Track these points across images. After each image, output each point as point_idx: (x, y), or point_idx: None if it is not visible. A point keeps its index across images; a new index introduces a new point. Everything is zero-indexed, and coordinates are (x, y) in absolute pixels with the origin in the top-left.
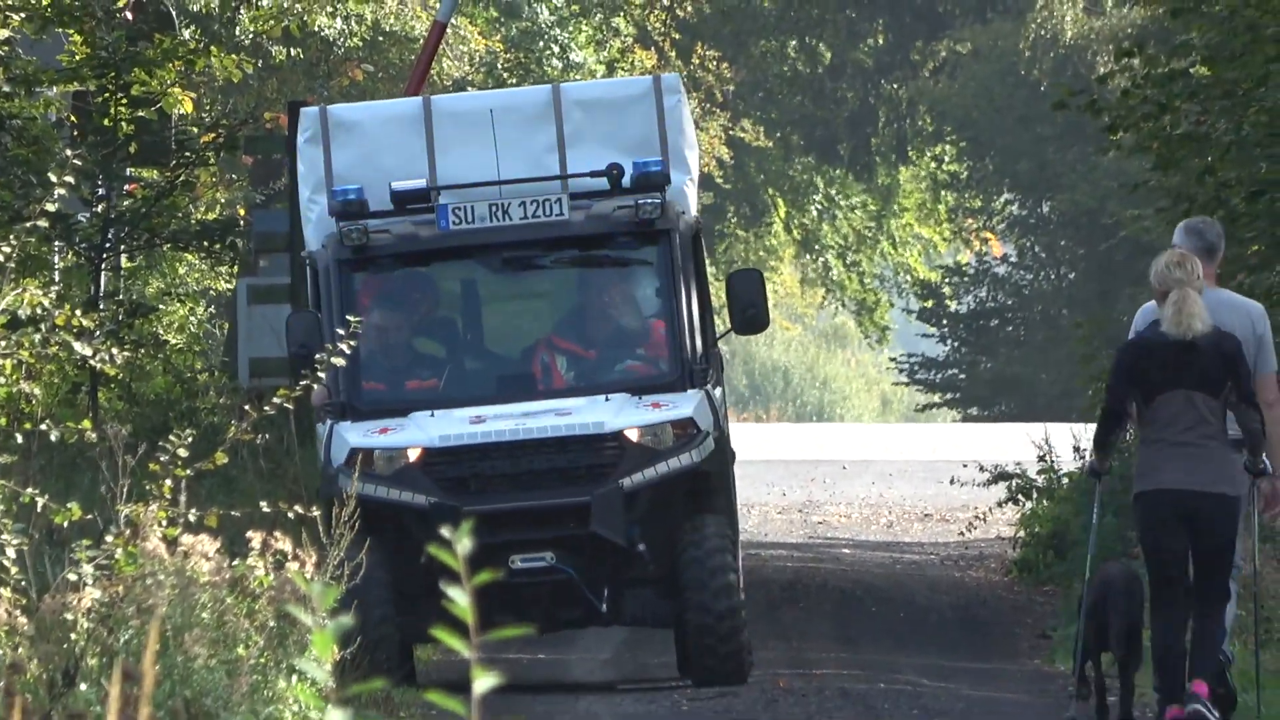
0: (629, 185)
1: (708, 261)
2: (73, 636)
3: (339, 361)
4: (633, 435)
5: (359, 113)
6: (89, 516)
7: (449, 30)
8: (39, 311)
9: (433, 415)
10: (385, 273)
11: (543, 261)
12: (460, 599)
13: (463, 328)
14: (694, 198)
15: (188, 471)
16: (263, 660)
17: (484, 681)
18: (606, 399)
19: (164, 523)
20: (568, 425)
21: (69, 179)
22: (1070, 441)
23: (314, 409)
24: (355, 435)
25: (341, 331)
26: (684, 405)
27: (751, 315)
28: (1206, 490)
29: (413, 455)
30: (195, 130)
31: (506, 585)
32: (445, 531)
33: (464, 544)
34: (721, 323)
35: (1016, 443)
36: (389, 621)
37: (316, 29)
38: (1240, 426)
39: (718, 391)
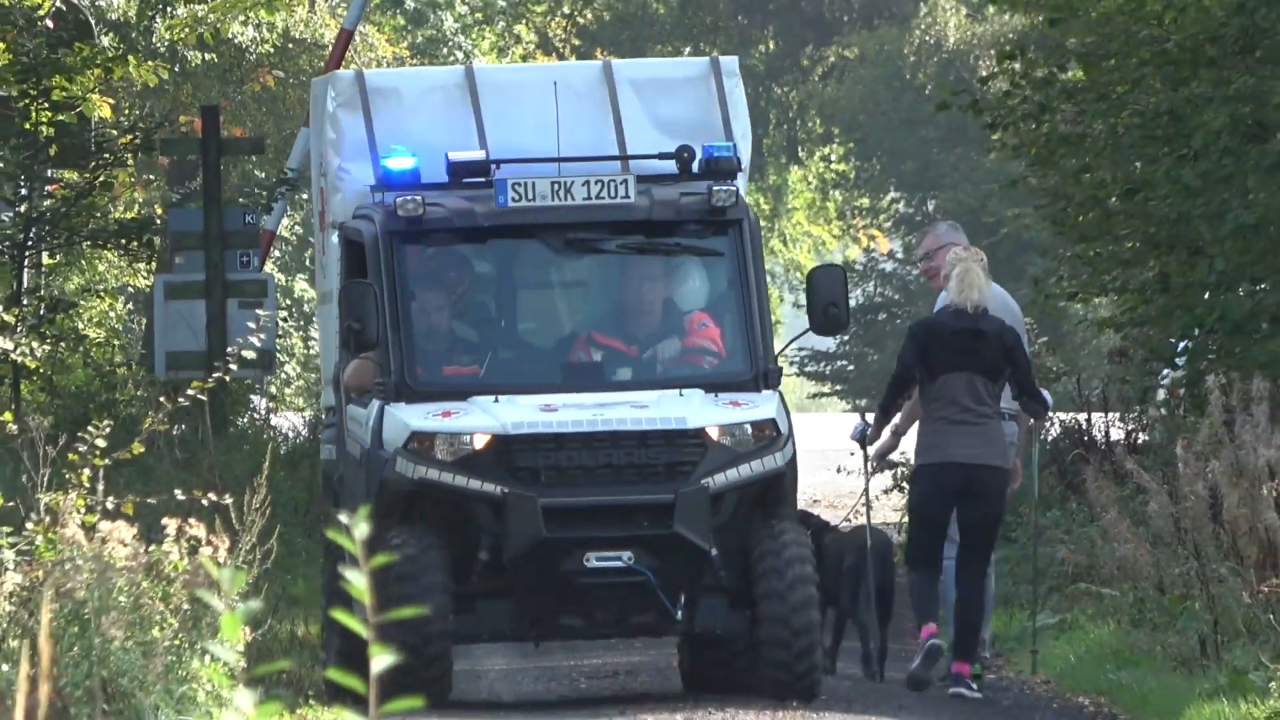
0: (698, 171)
1: None
2: None
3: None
4: (714, 433)
5: (397, 79)
6: (10, 504)
7: (356, 37)
8: None
9: (497, 400)
10: (438, 248)
11: (607, 246)
12: (358, 581)
13: (523, 311)
14: (745, 188)
15: (106, 461)
16: (177, 642)
17: (381, 660)
18: (681, 394)
19: (83, 510)
20: (648, 419)
21: None
22: None
23: (344, 389)
24: (415, 417)
25: (389, 307)
26: (764, 405)
27: (834, 314)
28: (985, 464)
29: (480, 442)
30: (114, 133)
31: (578, 585)
32: (518, 522)
33: (361, 529)
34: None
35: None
36: (445, 616)
37: (230, 36)
38: (1026, 413)
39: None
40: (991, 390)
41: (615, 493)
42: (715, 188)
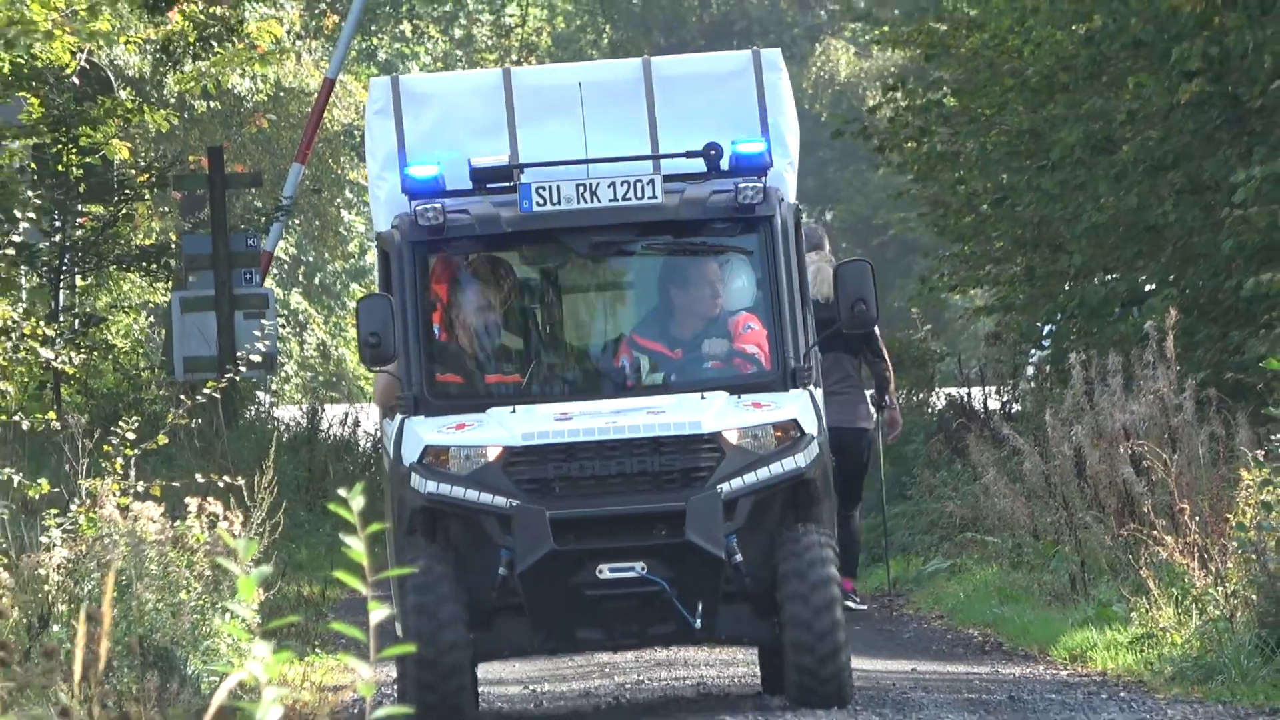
0: (727, 168)
1: None
2: (45, 588)
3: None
4: (732, 437)
5: (434, 84)
6: (56, 490)
7: (337, 85)
8: (10, 324)
9: (514, 411)
10: (462, 256)
11: (633, 248)
12: (355, 546)
13: (546, 318)
14: (793, 183)
15: (135, 451)
16: (201, 602)
17: (379, 613)
18: (702, 397)
19: (117, 493)
20: (661, 425)
21: (31, 215)
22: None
23: (380, 406)
24: (429, 431)
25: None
26: (787, 406)
27: (862, 310)
28: (848, 426)
29: (492, 454)
30: (133, 172)
31: (592, 597)
32: (526, 535)
33: (357, 499)
34: None
35: None
36: (462, 647)
37: (229, 87)
38: (874, 376)
39: (818, 392)
40: (853, 364)
41: (627, 502)
42: (741, 184)
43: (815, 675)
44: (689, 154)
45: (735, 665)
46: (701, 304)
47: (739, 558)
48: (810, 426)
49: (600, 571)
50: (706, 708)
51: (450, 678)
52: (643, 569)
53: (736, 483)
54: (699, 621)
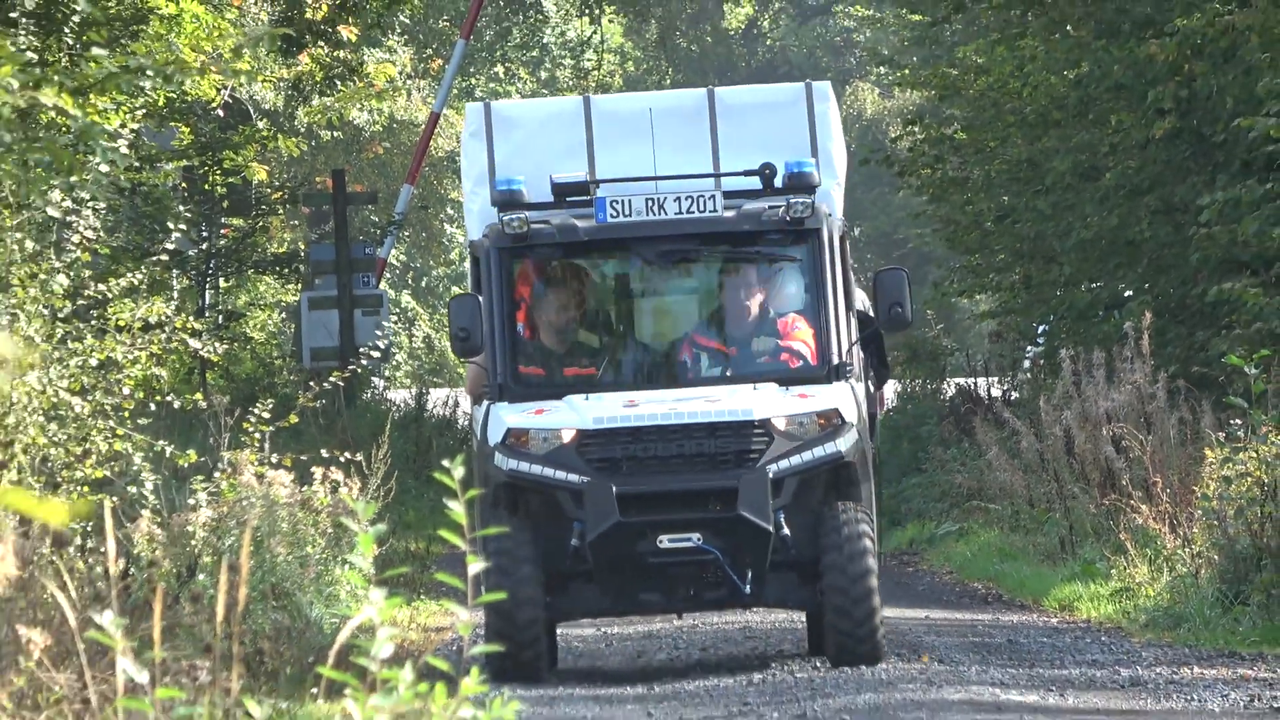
0: (780, 186)
1: None
2: (193, 543)
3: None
4: (780, 424)
5: (521, 109)
6: (202, 460)
7: (442, 117)
8: (164, 319)
9: (587, 399)
10: (543, 261)
11: (695, 256)
12: (456, 508)
13: (617, 317)
14: (840, 200)
15: (269, 428)
16: (325, 556)
17: (476, 565)
18: (754, 389)
19: (254, 463)
20: (717, 412)
21: (182, 226)
22: None
23: (469, 393)
24: (512, 415)
25: (500, 317)
26: (830, 397)
27: (898, 313)
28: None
29: (567, 436)
30: (268, 190)
31: (653, 564)
32: (596, 508)
33: (458, 469)
34: None
35: None
36: (537, 605)
37: (350, 119)
38: (875, 376)
39: (859, 385)
40: (864, 359)
41: (685, 479)
42: (793, 201)
43: (853, 636)
44: (746, 173)
45: (776, 613)
46: (755, 306)
47: (785, 531)
48: (850, 415)
49: (661, 541)
50: (757, 663)
51: (524, 628)
52: (699, 539)
53: (784, 464)
54: (748, 587)
